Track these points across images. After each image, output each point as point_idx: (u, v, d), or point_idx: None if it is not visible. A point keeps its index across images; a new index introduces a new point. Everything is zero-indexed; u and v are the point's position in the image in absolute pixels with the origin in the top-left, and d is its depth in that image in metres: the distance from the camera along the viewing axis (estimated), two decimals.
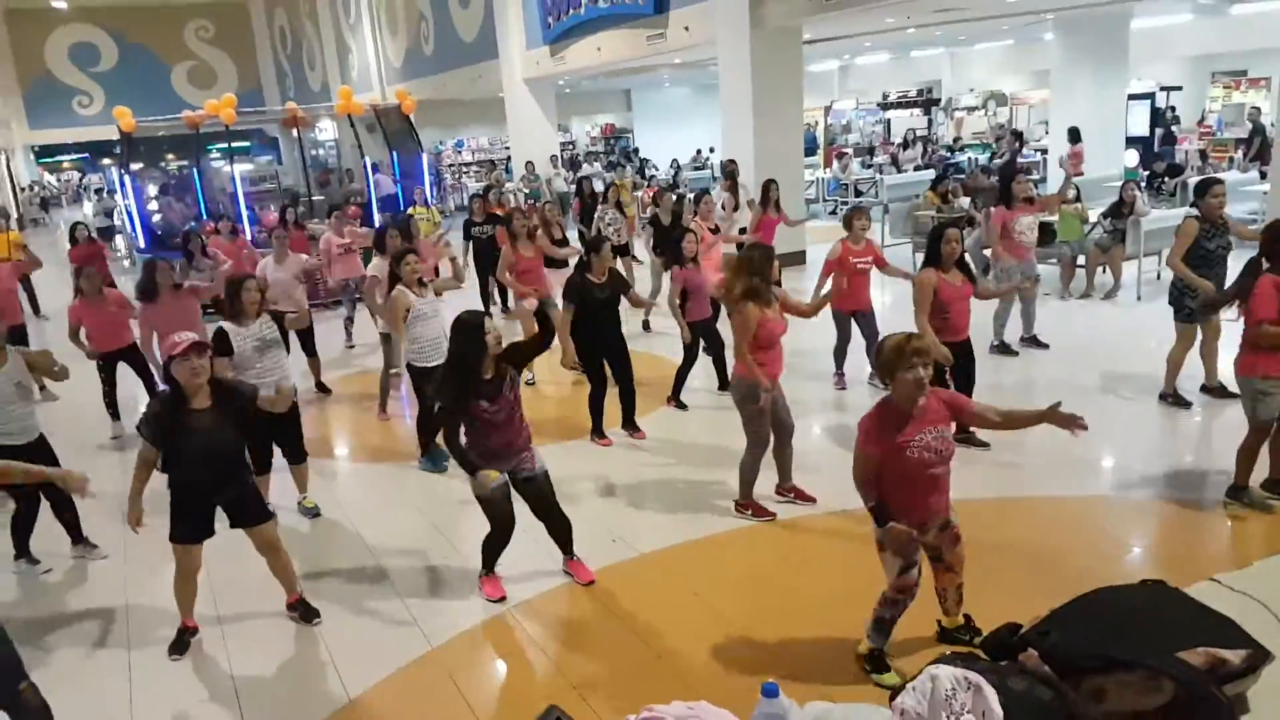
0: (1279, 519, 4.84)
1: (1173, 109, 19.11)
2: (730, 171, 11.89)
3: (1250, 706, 1.84)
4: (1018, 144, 17.25)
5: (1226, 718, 1.72)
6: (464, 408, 4.31)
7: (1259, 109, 16.61)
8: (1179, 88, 19.85)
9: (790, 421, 5.36)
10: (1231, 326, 5.08)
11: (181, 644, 4.43)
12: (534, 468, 4.56)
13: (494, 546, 4.67)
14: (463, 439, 4.37)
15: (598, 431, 6.79)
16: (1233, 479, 5.03)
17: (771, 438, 5.27)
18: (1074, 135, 15.56)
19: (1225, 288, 6.04)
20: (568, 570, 4.83)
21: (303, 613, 4.62)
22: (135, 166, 14.93)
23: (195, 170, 14.36)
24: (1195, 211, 6.39)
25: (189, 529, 4.26)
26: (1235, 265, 5.77)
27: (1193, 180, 10.72)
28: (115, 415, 7.78)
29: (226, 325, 5.54)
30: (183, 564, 4.34)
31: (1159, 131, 18.31)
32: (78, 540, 5.57)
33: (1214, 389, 6.59)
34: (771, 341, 5.09)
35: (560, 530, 4.76)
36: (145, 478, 4.17)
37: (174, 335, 4.12)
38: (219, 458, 4.20)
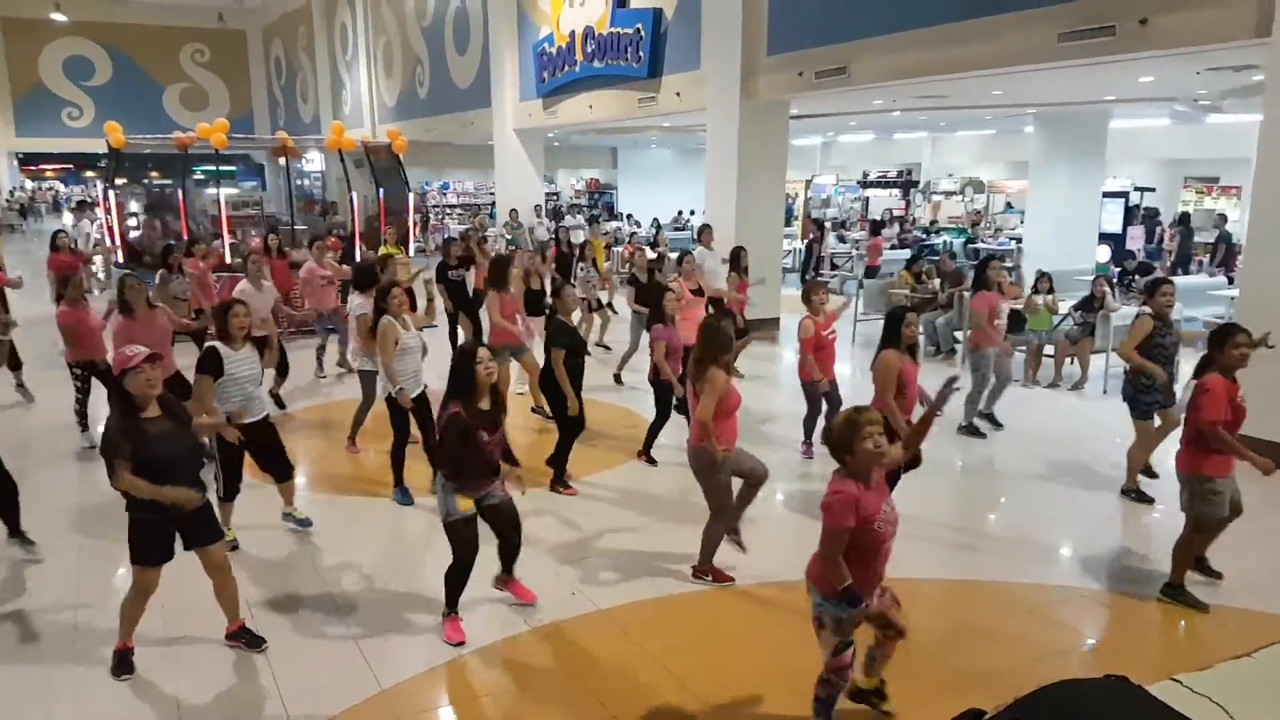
0: (1245, 620, 4.85)
1: (1158, 211, 19.52)
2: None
3: None
4: (818, 232, 18.67)
5: None
6: (468, 436, 4.37)
7: (1224, 216, 17.14)
8: (1153, 189, 20.34)
9: (761, 467, 5.25)
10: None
11: (126, 664, 4.34)
12: (503, 494, 4.71)
13: (456, 581, 4.62)
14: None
15: (560, 481, 6.77)
16: (1169, 577, 5.05)
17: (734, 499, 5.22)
18: (875, 228, 18.41)
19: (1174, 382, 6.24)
20: (505, 588, 4.98)
21: (247, 640, 4.56)
22: (120, 182, 14.83)
23: (180, 190, 14.30)
24: (1149, 309, 6.52)
25: (152, 551, 4.21)
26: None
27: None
28: (85, 426, 7.72)
29: (219, 345, 5.45)
30: (140, 586, 4.27)
31: (1155, 230, 18.68)
32: (14, 533, 5.54)
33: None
34: (730, 411, 5.09)
35: (511, 549, 4.92)
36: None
37: (125, 349, 4.13)
38: (180, 460, 4.15)
